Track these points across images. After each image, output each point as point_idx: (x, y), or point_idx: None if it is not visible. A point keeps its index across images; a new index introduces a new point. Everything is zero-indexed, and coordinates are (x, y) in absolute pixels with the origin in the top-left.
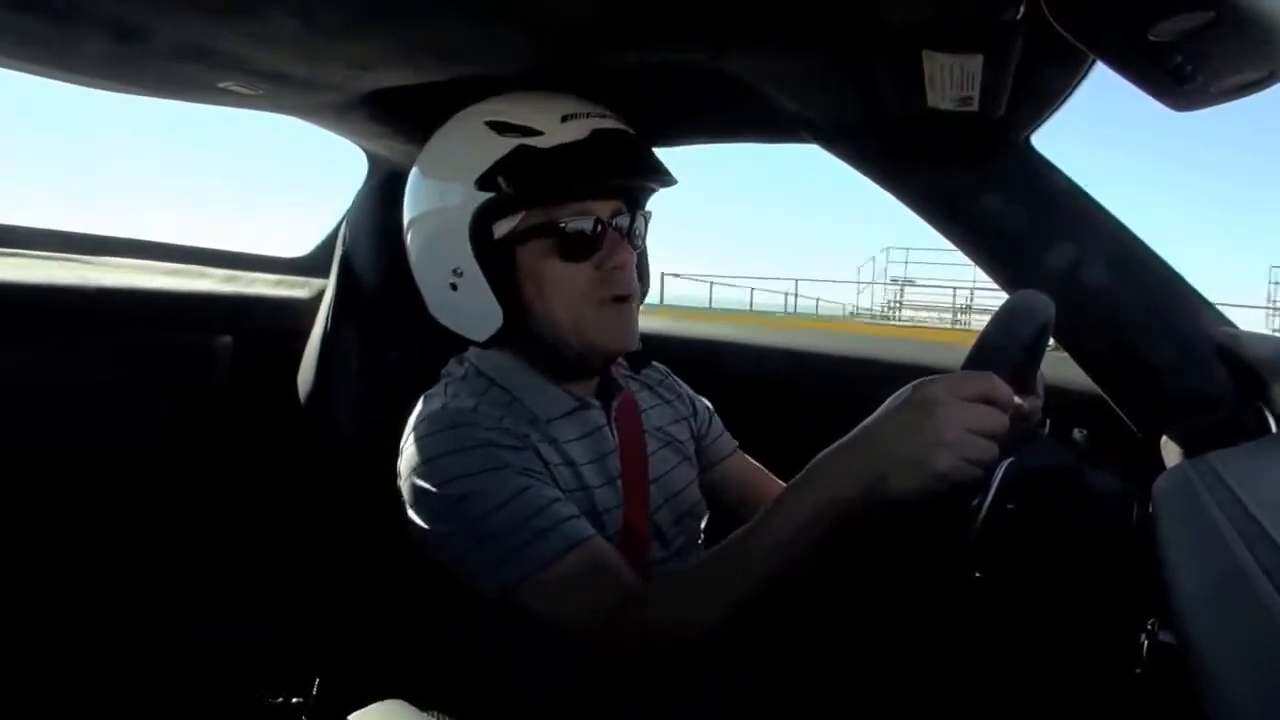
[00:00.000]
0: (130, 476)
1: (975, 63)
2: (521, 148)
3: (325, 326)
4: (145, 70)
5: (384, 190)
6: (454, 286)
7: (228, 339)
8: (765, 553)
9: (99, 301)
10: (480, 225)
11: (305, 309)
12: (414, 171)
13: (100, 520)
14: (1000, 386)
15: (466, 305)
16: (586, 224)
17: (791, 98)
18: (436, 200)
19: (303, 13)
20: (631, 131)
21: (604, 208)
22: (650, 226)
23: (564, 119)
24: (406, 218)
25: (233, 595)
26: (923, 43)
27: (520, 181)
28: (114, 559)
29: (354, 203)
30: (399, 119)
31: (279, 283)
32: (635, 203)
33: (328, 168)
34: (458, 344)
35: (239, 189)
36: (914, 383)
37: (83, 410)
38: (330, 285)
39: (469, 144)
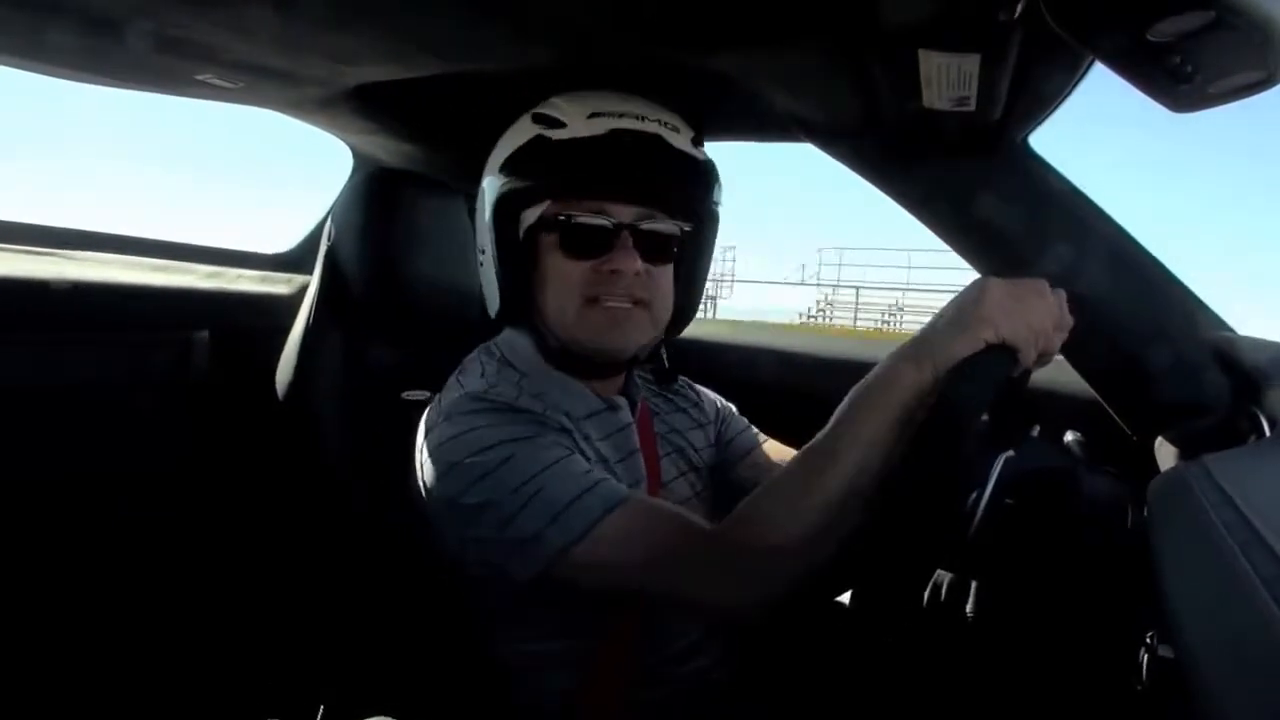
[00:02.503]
0: (106, 474)
1: (972, 63)
2: (538, 137)
3: (307, 323)
4: (117, 61)
5: (370, 186)
6: (481, 264)
7: (205, 334)
8: (846, 444)
9: (74, 297)
10: (503, 210)
11: (286, 305)
12: None
13: (76, 522)
14: (1046, 286)
15: (486, 282)
16: (596, 223)
17: (787, 97)
18: (483, 183)
19: (281, 4)
20: (671, 139)
21: (624, 211)
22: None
23: (591, 115)
24: None
25: (211, 602)
26: (920, 42)
27: (530, 170)
28: (88, 560)
29: (339, 199)
30: (386, 115)
31: (259, 278)
32: (673, 210)
33: (311, 163)
34: (443, 343)
35: (221, 184)
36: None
37: (57, 407)
38: (313, 282)
39: (511, 131)
